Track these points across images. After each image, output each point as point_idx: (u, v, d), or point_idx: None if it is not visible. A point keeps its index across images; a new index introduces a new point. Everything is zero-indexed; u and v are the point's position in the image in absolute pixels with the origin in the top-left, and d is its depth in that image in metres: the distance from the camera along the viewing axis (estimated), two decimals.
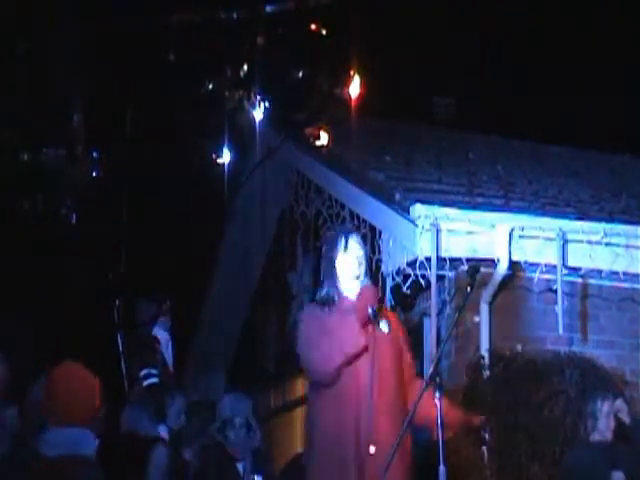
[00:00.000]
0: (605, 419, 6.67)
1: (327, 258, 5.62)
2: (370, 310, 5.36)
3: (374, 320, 5.37)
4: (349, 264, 5.53)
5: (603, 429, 6.67)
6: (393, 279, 7.71)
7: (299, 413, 10.55)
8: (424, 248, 7.38)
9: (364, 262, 5.58)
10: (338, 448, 5.26)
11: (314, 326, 5.46)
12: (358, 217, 8.50)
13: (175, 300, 8.76)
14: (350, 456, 5.23)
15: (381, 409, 5.29)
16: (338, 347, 5.30)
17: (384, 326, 5.49)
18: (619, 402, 6.69)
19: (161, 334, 8.40)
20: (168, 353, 8.50)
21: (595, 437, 6.68)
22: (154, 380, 7.96)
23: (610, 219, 7.93)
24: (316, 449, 5.40)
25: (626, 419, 6.63)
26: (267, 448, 7.45)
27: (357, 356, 5.33)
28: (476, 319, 7.56)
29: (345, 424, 5.28)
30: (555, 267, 7.50)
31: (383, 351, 5.40)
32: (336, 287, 5.53)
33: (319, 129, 7.19)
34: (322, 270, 5.66)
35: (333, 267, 5.55)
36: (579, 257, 7.63)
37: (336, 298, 5.51)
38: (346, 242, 5.58)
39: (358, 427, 5.25)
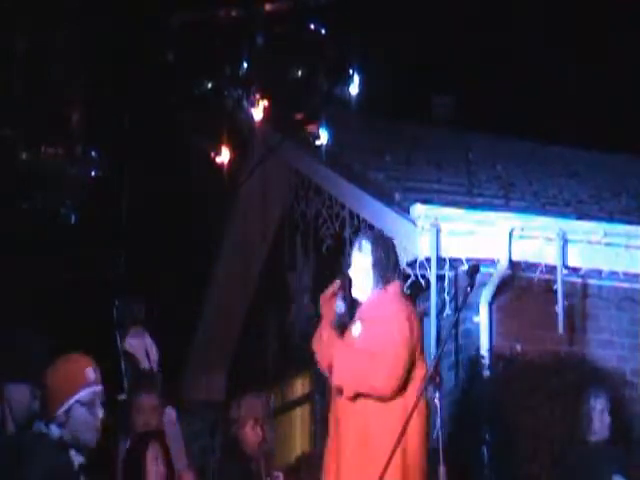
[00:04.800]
0: (599, 417, 6.69)
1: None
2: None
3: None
4: (353, 269, 5.39)
5: (599, 428, 6.68)
6: None
7: (299, 413, 10.55)
8: (424, 248, 7.38)
9: (370, 268, 5.35)
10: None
11: None
12: (358, 217, 8.50)
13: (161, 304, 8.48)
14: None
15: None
16: None
17: (355, 329, 5.28)
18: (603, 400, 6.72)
19: (135, 342, 8.03)
20: (152, 355, 8.14)
21: (592, 438, 6.69)
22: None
23: (610, 219, 7.94)
24: None
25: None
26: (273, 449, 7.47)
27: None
28: (476, 319, 7.56)
29: None
30: (555, 267, 7.50)
31: None
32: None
33: (318, 128, 7.19)
34: None
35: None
36: (579, 257, 7.63)
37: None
38: (352, 247, 5.52)
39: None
